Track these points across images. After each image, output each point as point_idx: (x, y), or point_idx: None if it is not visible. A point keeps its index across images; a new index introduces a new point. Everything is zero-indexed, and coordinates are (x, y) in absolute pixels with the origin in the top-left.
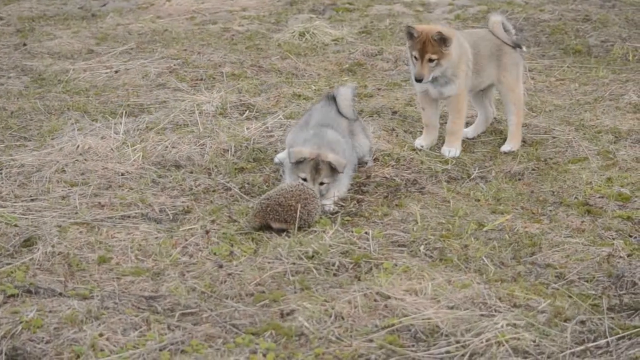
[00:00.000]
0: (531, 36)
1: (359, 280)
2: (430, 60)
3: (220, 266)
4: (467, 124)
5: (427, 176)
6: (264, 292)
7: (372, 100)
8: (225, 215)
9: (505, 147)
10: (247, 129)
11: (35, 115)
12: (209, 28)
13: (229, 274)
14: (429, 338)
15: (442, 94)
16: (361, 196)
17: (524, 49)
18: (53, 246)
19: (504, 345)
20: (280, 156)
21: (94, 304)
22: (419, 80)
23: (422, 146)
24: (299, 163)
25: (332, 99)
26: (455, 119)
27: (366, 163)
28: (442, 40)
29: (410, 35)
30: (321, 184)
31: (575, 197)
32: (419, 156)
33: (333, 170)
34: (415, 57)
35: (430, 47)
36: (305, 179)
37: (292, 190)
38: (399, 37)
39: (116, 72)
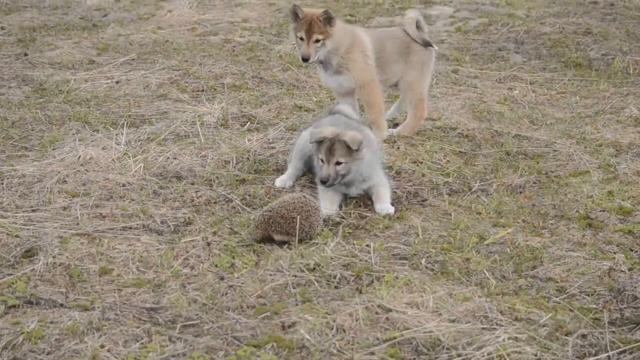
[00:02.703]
0: (532, 49)
1: (361, 293)
2: (317, 41)
3: (222, 278)
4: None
5: (429, 189)
6: (265, 304)
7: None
8: (226, 227)
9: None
10: (249, 140)
11: (37, 126)
12: (210, 39)
13: (231, 286)
14: (430, 351)
15: (341, 85)
16: (363, 209)
17: (435, 47)
18: (54, 257)
19: (505, 359)
20: (283, 178)
21: (95, 315)
22: (305, 59)
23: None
24: (319, 143)
25: (335, 114)
26: (369, 111)
27: None
28: (328, 20)
29: (295, 15)
30: (338, 163)
31: (577, 211)
32: (420, 169)
33: (349, 149)
34: (301, 38)
35: (316, 27)
36: (322, 160)
37: (293, 202)
38: None
39: (117, 82)
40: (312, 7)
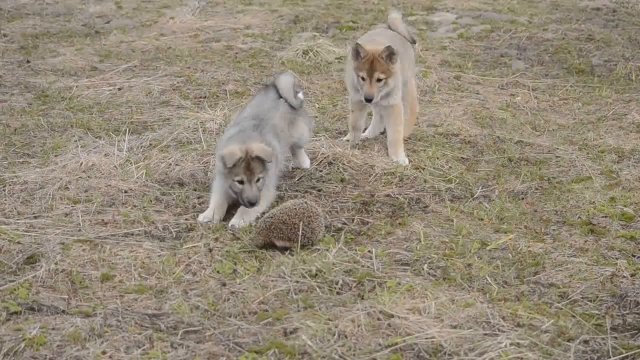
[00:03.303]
0: (534, 55)
1: (363, 298)
2: (379, 80)
3: (224, 284)
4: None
5: (431, 195)
6: (267, 310)
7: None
8: (228, 233)
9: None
10: None
11: (39, 132)
12: (212, 46)
13: (232, 292)
14: (432, 357)
15: (381, 103)
16: (365, 215)
17: (417, 45)
18: (56, 263)
19: None
20: None
21: (97, 321)
22: (368, 100)
23: (347, 140)
24: (233, 167)
25: (273, 87)
26: (398, 127)
27: (300, 148)
28: (390, 57)
29: (357, 54)
30: (257, 180)
31: (579, 217)
32: (423, 175)
33: (264, 162)
34: (362, 78)
35: (378, 66)
36: (241, 182)
37: (295, 208)
38: None
39: (119, 89)
40: (315, 14)
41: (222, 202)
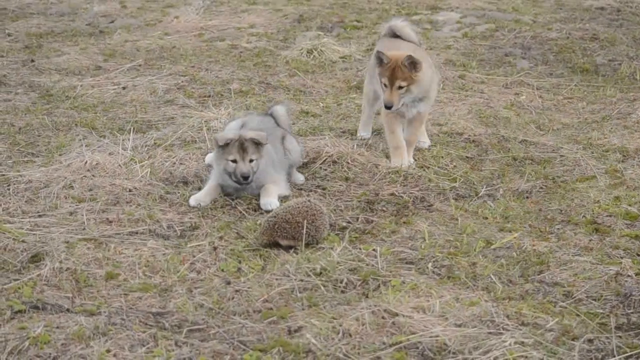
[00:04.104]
0: (539, 55)
1: (367, 297)
2: (400, 87)
3: (228, 283)
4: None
5: (435, 194)
6: (271, 308)
7: (378, 117)
8: (233, 232)
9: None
10: None
11: (43, 132)
12: (216, 45)
13: (237, 291)
14: (436, 356)
15: (412, 111)
16: (369, 213)
17: (423, 46)
18: (60, 262)
19: None
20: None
21: (102, 320)
22: (388, 107)
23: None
24: (225, 146)
25: (270, 115)
26: (416, 131)
27: (292, 167)
28: (413, 65)
29: (380, 61)
30: (250, 161)
31: (583, 216)
32: (427, 174)
33: (258, 145)
34: (385, 84)
35: (400, 73)
36: (235, 161)
37: (298, 207)
38: None
39: (124, 88)
40: (319, 13)
41: (215, 187)
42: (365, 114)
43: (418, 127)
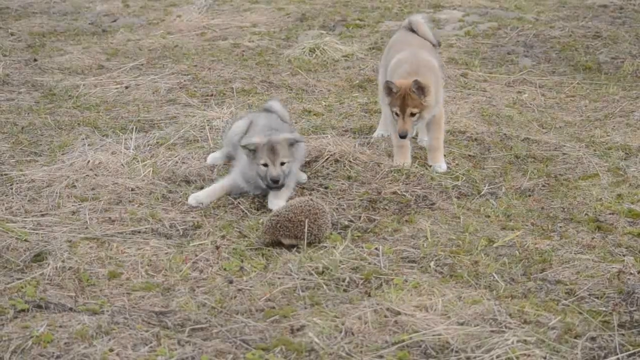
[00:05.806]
0: (541, 53)
1: (369, 296)
2: (412, 115)
3: (231, 282)
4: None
5: (437, 192)
6: (274, 307)
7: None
8: (235, 231)
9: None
10: None
11: (46, 131)
12: (219, 44)
13: (239, 290)
14: (439, 354)
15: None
16: (371, 212)
17: (440, 46)
18: (63, 261)
19: None
20: (215, 155)
21: (104, 319)
22: (403, 136)
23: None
24: (255, 151)
25: (269, 110)
26: (438, 135)
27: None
28: (421, 90)
29: (389, 90)
30: (282, 164)
31: (586, 214)
32: (429, 172)
33: (290, 146)
34: (396, 113)
35: (410, 101)
36: (265, 165)
37: (300, 206)
38: None
39: (126, 87)
40: (322, 12)
41: (221, 189)
42: (384, 113)
43: (438, 131)
